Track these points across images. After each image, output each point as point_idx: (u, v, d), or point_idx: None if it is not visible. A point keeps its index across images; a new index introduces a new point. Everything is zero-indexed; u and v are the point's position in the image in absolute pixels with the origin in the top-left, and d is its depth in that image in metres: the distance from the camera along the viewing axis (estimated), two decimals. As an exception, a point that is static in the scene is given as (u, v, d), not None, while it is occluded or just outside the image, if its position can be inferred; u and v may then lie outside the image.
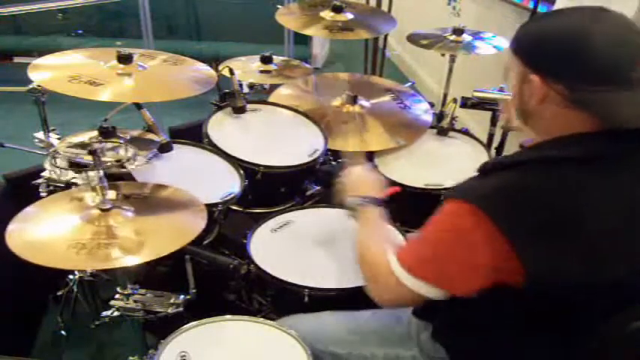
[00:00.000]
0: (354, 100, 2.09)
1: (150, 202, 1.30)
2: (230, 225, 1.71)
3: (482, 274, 0.94)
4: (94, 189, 1.22)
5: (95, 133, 1.56)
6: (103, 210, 1.20)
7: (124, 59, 1.50)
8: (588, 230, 0.89)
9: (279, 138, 1.90)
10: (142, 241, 1.15)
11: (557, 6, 2.13)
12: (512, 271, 0.90)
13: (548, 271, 0.89)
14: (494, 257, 0.91)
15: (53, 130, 1.76)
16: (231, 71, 1.89)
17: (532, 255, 0.89)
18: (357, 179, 1.37)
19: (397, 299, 1.07)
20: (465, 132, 2.16)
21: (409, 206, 1.84)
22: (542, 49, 0.91)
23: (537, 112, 0.96)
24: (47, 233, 1.16)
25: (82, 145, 1.53)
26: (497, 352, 1.07)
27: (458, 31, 2.26)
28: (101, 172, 1.19)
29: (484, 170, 0.99)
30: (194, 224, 1.22)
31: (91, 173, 1.21)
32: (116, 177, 1.43)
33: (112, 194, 1.24)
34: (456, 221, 0.95)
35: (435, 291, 1.00)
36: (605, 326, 0.95)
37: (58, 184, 1.62)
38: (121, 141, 1.53)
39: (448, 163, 1.99)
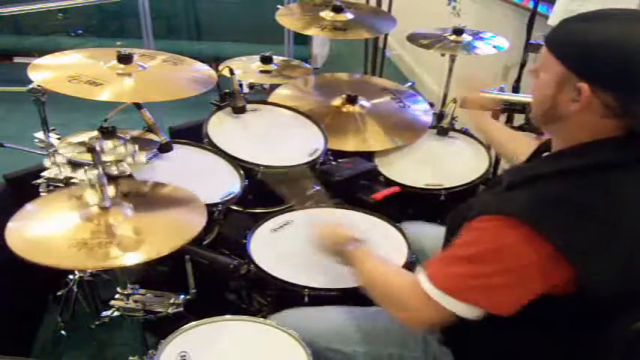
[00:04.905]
0: (354, 100, 2.09)
1: (149, 199, 1.30)
2: (230, 225, 1.71)
3: (531, 290, 0.91)
4: (93, 187, 1.22)
5: (95, 133, 1.56)
6: (102, 208, 1.20)
7: (124, 59, 1.50)
8: (631, 235, 0.89)
9: (279, 138, 1.90)
10: (142, 238, 1.15)
11: (558, 6, 2.12)
12: (562, 283, 0.89)
13: (600, 279, 0.87)
14: (544, 272, 0.88)
15: (53, 130, 1.76)
16: (231, 71, 1.89)
17: (588, 266, 0.86)
18: (329, 231, 1.32)
19: (432, 322, 1.02)
20: (465, 132, 2.16)
21: (409, 206, 1.84)
22: (596, 58, 0.87)
23: (569, 117, 0.93)
24: (47, 231, 1.16)
25: (82, 145, 1.53)
26: (508, 355, 1.06)
27: (458, 31, 2.26)
28: (100, 170, 1.19)
29: (511, 184, 0.96)
30: (194, 222, 1.21)
31: (91, 171, 1.20)
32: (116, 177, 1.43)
33: (111, 192, 1.23)
34: (497, 238, 0.91)
35: (474, 311, 0.95)
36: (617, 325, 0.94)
37: (58, 184, 1.62)
38: (121, 140, 1.53)
39: (448, 163, 1.99)
